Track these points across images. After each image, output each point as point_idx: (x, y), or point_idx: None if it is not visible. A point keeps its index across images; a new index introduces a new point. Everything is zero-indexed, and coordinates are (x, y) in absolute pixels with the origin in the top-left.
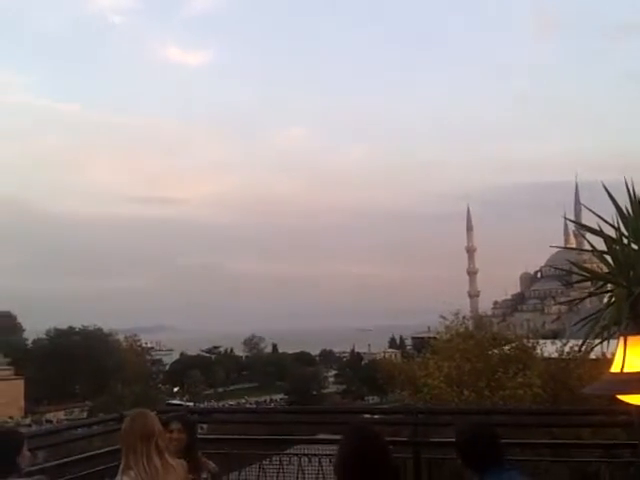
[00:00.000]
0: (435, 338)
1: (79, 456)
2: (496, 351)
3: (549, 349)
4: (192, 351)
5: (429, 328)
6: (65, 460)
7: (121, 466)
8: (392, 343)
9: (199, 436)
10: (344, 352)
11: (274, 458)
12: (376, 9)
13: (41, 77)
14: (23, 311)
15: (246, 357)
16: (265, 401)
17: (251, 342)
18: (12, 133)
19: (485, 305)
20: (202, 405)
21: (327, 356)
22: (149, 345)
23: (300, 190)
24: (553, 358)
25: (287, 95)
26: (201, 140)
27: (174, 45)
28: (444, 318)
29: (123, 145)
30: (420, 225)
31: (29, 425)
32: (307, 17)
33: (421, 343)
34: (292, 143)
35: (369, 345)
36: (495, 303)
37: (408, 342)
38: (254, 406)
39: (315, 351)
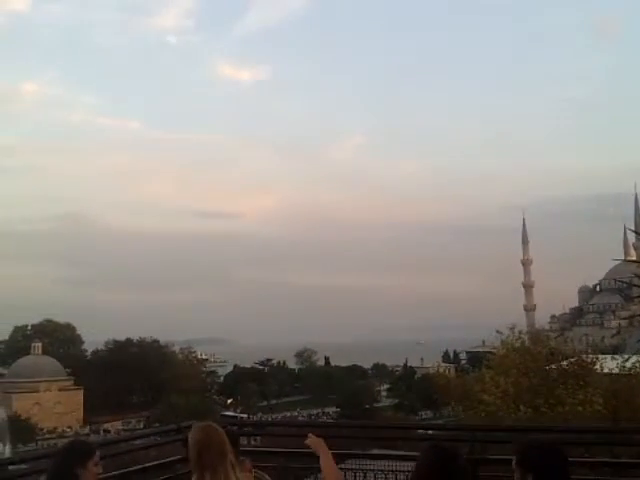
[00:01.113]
0: (491, 353)
1: (137, 467)
2: (554, 366)
3: (609, 365)
4: (245, 363)
5: (484, 342)
6: (123, 471)
7: None
8: (446, 357)
9: (252, 448)
10: (397, 366)
11: None
12: (432, 21)
13: (103, 96)
14: (83, 323)
15: (298, 370)
16: (317, 414)
17: (303, 355)
18: (75, 151)
19: (542, 319)
20: (255, 417)
21: (379, 370)
22: (204, 357)
23: (354, 203)
24: (614, 374)
25: (340, 109)
26: (257, 155)
27: (227, 63)
28: (500, 332)
29: (181, 161)
30: (475, 238)
31: (87, 435)
32: (358, 32)
33: (476, 357)
34: (348, 157)
35: (422, 359)
36: (552, 317)
37: (462, 356)
38: (306, 419)
39: (367, 364)
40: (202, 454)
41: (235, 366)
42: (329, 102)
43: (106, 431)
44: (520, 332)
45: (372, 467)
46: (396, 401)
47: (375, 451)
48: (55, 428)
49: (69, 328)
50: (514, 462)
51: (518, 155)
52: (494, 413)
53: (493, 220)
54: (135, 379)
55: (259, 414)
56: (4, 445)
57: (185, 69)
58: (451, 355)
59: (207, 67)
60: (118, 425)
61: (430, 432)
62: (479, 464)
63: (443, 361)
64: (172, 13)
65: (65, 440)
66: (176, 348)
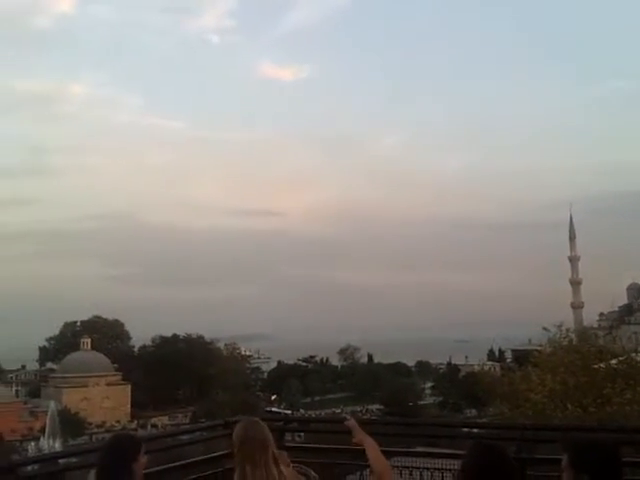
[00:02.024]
0: (537, 351)
1: (184, 462)
2: (602, 365)
3: None
4: (289, 360)
5: (530, 340)
6: (170, 465)
7: (236, 477)
8: (491, 355)
9: (297, 445)
10: (440, 364)
11: None
12: (471, 17)
13: (148, 96)
14: (130, 319)
15: (341, 367)
16: (361, 411)
17: (346, 352)
18: (121, 151)
19: (590, 317)
20: (299, 414)
21: (423, 367)
22: (248, 353)
23: (397, 201)
24: None
25: (382, 106)
26: (298, 153)
27: (269, 61)
28: (547, 330)
29: (225, 160)
30: (520, 234)
31: (135, 429)
32: (399, 29)
33: (522, 356)
34: (391, 153)
35: (466, 357)
36: (601, 315)
37: (508, 354)
38: (348, 416)
39: (411, 362)
40: (242, 447)
41: (279, 362)
42: (372, 99)
43: (153, 426)
44: (568, 330)
45: (417, 465)
46: (440, 399)
47: (420, 449)
48: (103, 422)
49: (117, 324)
50: (565, 462)
51: (564, 150)
52: (541, 412)
53: (538, 216)
54: (181, 374)
55: (302, 410)
56: (55, 439)
57: (228, 68)
58: (496, 353)
59: (249, 66)
60: (165, 420)
61: (475, 430)
62: (527, 463)
63: (488, 359)
64: (214, 13)
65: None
66: (221, 344)
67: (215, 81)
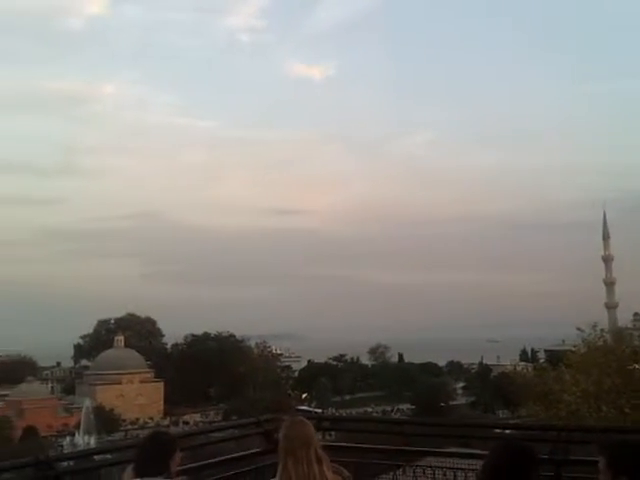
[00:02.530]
0: (571, 351)
1: (218, 459)
2: (637, 366)
3: None
4: (319, 359)
5: (564, 341)
6: (203, 462)
7: (278, 471)
8: (523, 355)
9: (328, 443)
10: (472, 363)
11: (407, 469)
12: (505, 10)
13: (179, 96)
14: (163, 317)
15: (372, 366)
16: (392, 410)
17: (377, 351)
18: (154, 151)
19: (624, 317)
20: (329, 412)
21: (454, 367)
22: (278, 352)
23: (427, 200)
24: None
25: (410, 105)
26: (329, 152)
27: (299, 60)
28: (581, 330)
29: (254, 159)
30: (552, 233)
31: (167, 426)
32: (428, 26)
33: (555, 356)
34: (421, 152)
35: (498, 357)
36: (635, 315)
37: (541, 355)
38: (380, 415)
39: (441, 362)
40: (286, 443)
41: (309, 361)
42: (401, 97)
43: (185, 423)
44: (602, 330)
45: (450, 465)
46: (472, 399)
47: (453, 449)
48: (137, 419)
49: (149, 322)
50: (603, 464)
51: (597, 147)
52: (574, 413)
53: (571, 214)
54: (212, 372)
55: (333, 409)
56: (90, 435)
57: (257, 67)
58: (529, 353)
59: (279, 65)
60: (196, 417)
61: (508, 431)
62: (562, 465)
63: (520, 359)
64: (244, 12)
65: (147, 431)
66: (252, 343)
67: (245, 80)
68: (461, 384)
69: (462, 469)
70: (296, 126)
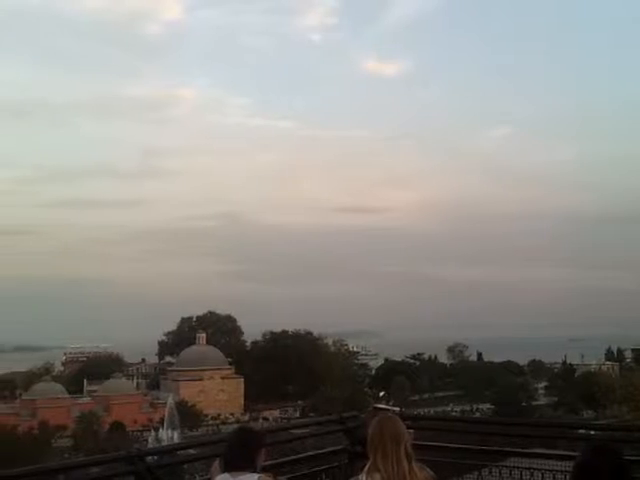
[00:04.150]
0: None
1: (300, 455)
2: None
3: None
4: (396, 356)
5: None
6: (286, 459)
7: (367, 466)
8: (609, 355)
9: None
10: (555, 363)
11: (493, 469)
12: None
13: (254, 97)
14: (242, 314)
15: (450, 364)
16: (471, 410)
17: (455, 349)
18: (231, 152)
19: None
20: (408, 411)
21: (536, 366)
22: (355, 349)
23: (502, 195)
24: None
25: (485, 99)
26: (402, 149)
27: (371, 58)
28: None
29: (331, 158)
30: (636, 228)
31: (247, 422)
32: (500, 21)
33: None
34: (494, 146)
35: (582, 356)
36: None
37: (627, 354)
38: (459, 414)
39: (523, 361)
40: (376, 439)
41: (386, 359)
42: (475, 92)
43: (265, 419)
44: None
45: (536, 466)
46: (555, 399)
47: (538, 450)
48: (218, 415)
49: (230, 319)
50: None
51: None
52: None
53: None
54: (290, 369)
55: (411, 408)
56: (173, 430)
57: (330, 66)
58: (615, 353)
59: (351, 63)
60: (275, 413)
61: (593, 432)
62: None
63: (606, 359)
64: (316, 12)
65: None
66: (329, 340)
67: (318, 79)
68: (543, 384)
69: (549, 470)
70: (370, 123)
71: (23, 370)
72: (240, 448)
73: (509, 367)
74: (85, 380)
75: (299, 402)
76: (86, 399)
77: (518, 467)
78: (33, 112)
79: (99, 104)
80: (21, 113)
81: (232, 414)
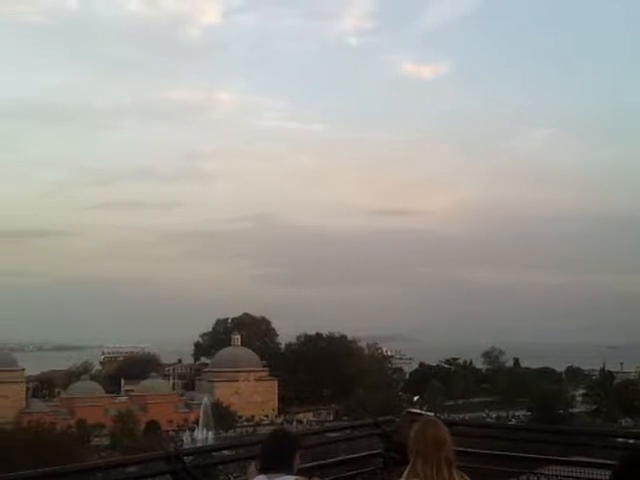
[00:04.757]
0: None
1: (336, 459)
2: None
3: None
4: (431, 361)
5: None
6: (322, 462)
7: (406, 471)
8: None
9: None
10: (593, 370)
11: (531, 477)
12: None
13: (289, 101)
14: (275, 317)
15: (486, 370)
16: (507, 417)
17: (491, 355)
18: (267, 155)
19: None
20: (442, 416)
21: (574, 373)
22: (389, 353)
23: (540, 197)
24: None
25: (524, 101)
26: (437, 151)
27: (408, 60)
28: None
29: (365, 160)
30: None
31: (281, 424)
32: (541, 19)
33: None
34: (531, 148)
35: (621, 364)
36: None
37: None
38: (494, 421)
39: (560, 367)
40: (418, 443)
41: (421, 364)
42: (512, 93)
43: (299, 421)
44: None
45: (574, 474)
46: (593, 407)
47: (575, 458)
48: (252, 416)
49: (264, 322)
50: None
51: None
52: None
53: None
54: (324, 372)
55: (446, 413)
56: (208, 430)
57: (366, 70)
58: None
59: (388, 66)
60: (309, 416)
61: (632, 441)
62: None
63: None
64: (352, 15)
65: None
66: (362, 344)
67: (354, 82)
68: (581, 391)
69: (587, 479)
70: (406, 126)
71: (62, 369)
72: (277, 450)
73: (546, 374)
74: (122, 379)
75: (332, 405)
76: (123, 398)
77: (556, 475)
78: (75, 116)
79: (139, 107)
80: (64, 117)
81: (266, 416)
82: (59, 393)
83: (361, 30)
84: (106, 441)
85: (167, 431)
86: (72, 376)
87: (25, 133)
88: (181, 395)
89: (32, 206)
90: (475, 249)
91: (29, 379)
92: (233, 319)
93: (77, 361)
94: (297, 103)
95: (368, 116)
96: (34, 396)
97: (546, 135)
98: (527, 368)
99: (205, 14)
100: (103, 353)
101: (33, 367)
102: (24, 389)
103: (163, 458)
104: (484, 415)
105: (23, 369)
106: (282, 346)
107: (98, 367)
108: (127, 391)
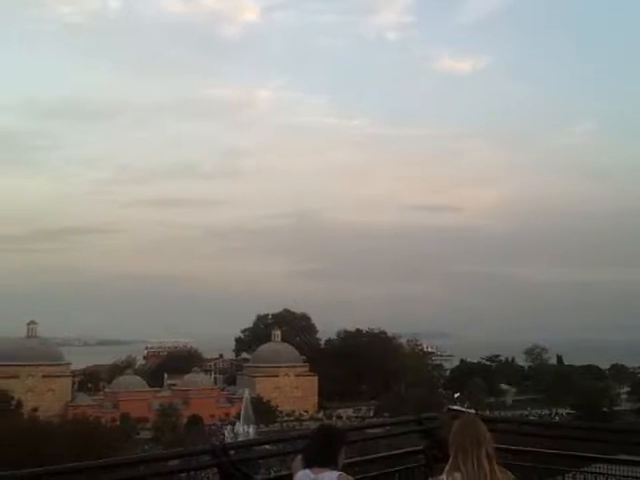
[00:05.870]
0: None
1: (378, 455)
2: None
3: None
4: (472, 358)
5: None
6: (363, 458)
7: (447, 466)
8: None
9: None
10: (638, 368)
11: (577, 475)
12: None
13: (329, 97)
14: (315, 313)
15: (528, 367)
16: (550, 414)
17: (533, 352)
18: (307, 152)
19: None
20: (485, 413)
21: (619, 371)
22: (430, 350)
23: (584, 193)
24: None
25: (566, 95)
26: (479, 147)
27: (447, 55)
28: None
29: (404, 156)
30: None
31: (322, 420)
32: (582, 13)
33: None
34: (577, 142)
35: None
36: None
37: None
38: (536, 418)
39: (605, 365)
40: (458, 439)
41: (461, 360)
42: (554, 88)
43: (338, 417)
44: None
45: (621, 473)
46: (638, 405)
47: (622, 456)
48: (293, 411)
49: (304, 318)
50: None
51: None
52: None
53: None
54: (364, 368)
55: (487, 411)
56: (249, 425)
57: (405, 64)
58: None
59: (427, 61)
60: (349, 412)
61: None
62: None
63: None
64: (390, 10)
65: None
66: (403, 340)
67: (393, 77)
68: (626, 389)
69: (633, 477)
70: (445, 121)
71: (106, 363)
72: (322, 445)
73: (590, 371)
74: (165, 374)
75: (372, 401)
76: (166, 392)
77: (602, 473)
78: (117, 114)
79: (180, 105)
80: (105, 115)
81: (306, 411)
82: (104, 387)
83: (399, 25)
84: (149, 434)
85: (209, 425)
86: (116, 370)
87: (69, 132)
88: (222, 390)
89: (77, 204)
90: (520, 245)
91: (75, 373)
92: (273, 315)
93: (121, 356)
94: (336, 99)
95: (407, 111)
96: (79, 390)
97: (591, 129)
98: (571, 365)
99: (244, 12)
100: (146, 348)
101: (79, 362)
102: (70, 383)
103: (209, 452)
104: (526, 413)
105: (69, 363)
106: (322, 342)
107: (142, 362)
108: (170, 385)
